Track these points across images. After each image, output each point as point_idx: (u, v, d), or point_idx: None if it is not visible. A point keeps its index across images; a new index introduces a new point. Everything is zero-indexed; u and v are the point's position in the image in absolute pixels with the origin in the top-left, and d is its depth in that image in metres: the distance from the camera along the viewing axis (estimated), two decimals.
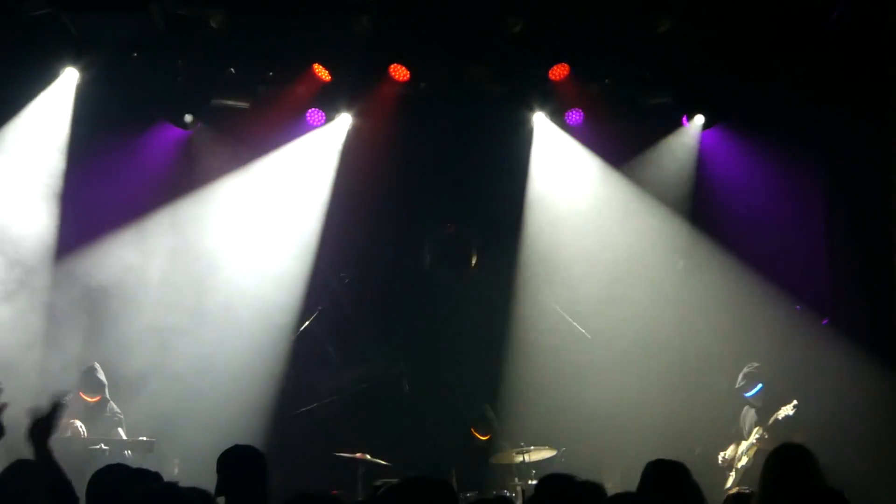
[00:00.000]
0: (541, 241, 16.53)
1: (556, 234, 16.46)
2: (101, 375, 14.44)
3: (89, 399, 14.34)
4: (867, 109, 14.50)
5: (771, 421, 14.04)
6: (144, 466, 10.33)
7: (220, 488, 7.41)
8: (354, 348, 16.38)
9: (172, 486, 6.05)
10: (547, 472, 8.10)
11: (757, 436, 14.12)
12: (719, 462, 14.39)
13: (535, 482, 13.09)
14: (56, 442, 12.75)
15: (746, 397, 14.59)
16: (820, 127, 15.41)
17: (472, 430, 14.95)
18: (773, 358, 15.14)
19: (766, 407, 14.36)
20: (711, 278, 15.85)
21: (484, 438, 14.90)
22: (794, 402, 14.00)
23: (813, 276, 15.50)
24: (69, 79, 15.04)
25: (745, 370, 14.67)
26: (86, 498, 7.11)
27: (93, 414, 14.10)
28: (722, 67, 15.22)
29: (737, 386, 14.69)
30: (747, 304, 15.73)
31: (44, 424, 7.17)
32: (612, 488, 12.75)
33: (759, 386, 14.53)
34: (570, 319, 15.52)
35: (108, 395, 14.34)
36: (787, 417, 13.94)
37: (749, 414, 14.62)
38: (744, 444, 14.33)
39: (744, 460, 14.10)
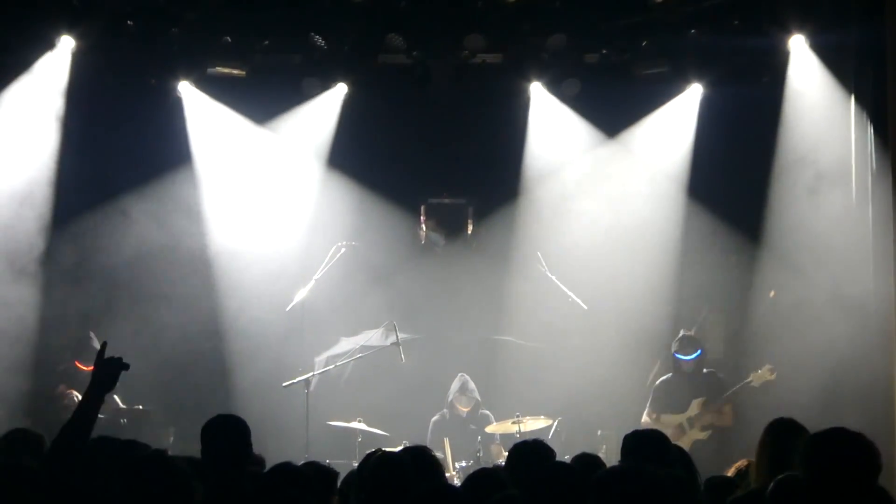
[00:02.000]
0: (537, 210, 16.52)
1: (552, 203, 16.47)
2: (97, 344, 14.41)
3: (85, 368, 14.32)
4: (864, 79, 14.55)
5: (737, 388, 14.04)
6: (140, 435, 10.37)
7: (204, 457, 7.42)
8: (349, 318, 16.37)
9: (160, 453, 6.08)
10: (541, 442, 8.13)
11: (697, 412, 14.07)
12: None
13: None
14: (51, 411, 12.88)
15: (681, 359, 14.48)
16: None
17: (454, 401, 14.91)
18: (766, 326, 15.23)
19: (694, 376, 14.35)
20: (709, 247, 15.88)
21: (466, 409, 14.87)
22: (769, 365, 14.00)
23: None
24: (65, 47, 15.02)
25: (684, 333, 14.63)
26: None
27: (88, 383, 14.07)
28: (720, 36, 15.19)
29: (673, 349, 14.62)
30: (744, 273, 15.79)
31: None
32: (607, 457, 12.84)
33: (699, 352, 14.46)
34: (566, 289, 15.50)
35: None
36: (765, 384, 13.93)
37: (671, 383, 14.58)
38: (683, 418, 14.24)
39: (700, 435, 14.01)
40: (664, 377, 14.73)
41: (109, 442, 7.19)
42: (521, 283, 16.34)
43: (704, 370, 14.52)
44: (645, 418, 14.46)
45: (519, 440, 8.63)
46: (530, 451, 7.85)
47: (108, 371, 7.10)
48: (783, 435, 7.52)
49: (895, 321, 13.82)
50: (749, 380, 14.09)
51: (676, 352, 14.54)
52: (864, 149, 14.76)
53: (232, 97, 16.07)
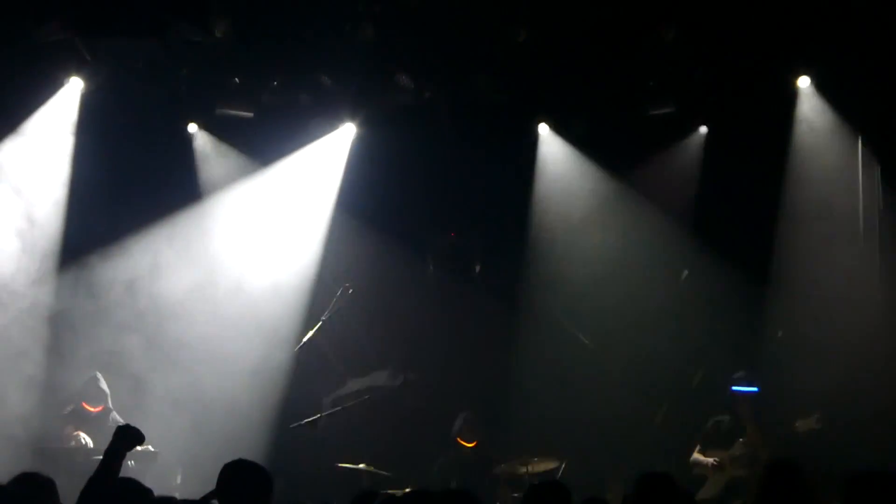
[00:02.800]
0: (544, 250, 16.52)
1: (559, 242, 16.47)
2: (104, 385, 14.43)
3: (92, 409, 14.31)
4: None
5: (780, 431, 13.95)
6: (147, 477, 10.36)
7: (217, 497, 7.38)
8: (357, 358, 16.35)
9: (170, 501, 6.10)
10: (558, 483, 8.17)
11: (742, 451, 13.99)
12: (694, 465, 14.14)
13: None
14: (59, 452, 12.86)
15: (735, 391, 14.21)
16: None
17: (458, 438, 14.88)
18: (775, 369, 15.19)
19: (747, 417, 14.22)
20: (715, 288, 15.86)
21: (470, 446, 14.84)
22: (817, 415, 13.87)
23: None
24: (74, 88, 15.10)
25: (748, 370, 14.55)
26: None
27: (96, 424, 14.07)
28: (726, 77, 15.20)
29: (734, 375, 14.49)
30: (751, 314, 15.76)
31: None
32: (614, 499, 12.80)
33: (756, 389, 14.34)
34: (574, 328, 15.50)
35: (110, 405, 14.33)
36: (810, 432, 13.80)
37: (724, 423, 14.40)
38: (726, 455, 14.13)
39: (740, 472, 13.93)
40: (718, 417, 14.51)
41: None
42: (529, 322, 16.31)
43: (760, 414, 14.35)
44: (695, 454, 14.33)
45: (534, 482, 8.64)
46: (547, 493, 7.87)
47: (127, 435, 7.78)
48: (780, 475, 7.49)
49: None
50: (795, 426, 13.97)
51: (733, 384, 14.38)
52: (871, 189, 14.79)
53: (240, 137, 16.13)
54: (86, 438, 13.84)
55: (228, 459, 7.69)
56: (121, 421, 14.21)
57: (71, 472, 11.20)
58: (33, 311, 14.86)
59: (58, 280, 15.30)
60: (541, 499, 7.81)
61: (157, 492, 7.47)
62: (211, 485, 7.48)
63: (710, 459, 14.06)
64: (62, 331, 15.22)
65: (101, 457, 12.93)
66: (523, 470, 13.94)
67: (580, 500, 7.97)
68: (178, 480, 14.61)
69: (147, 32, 13.91)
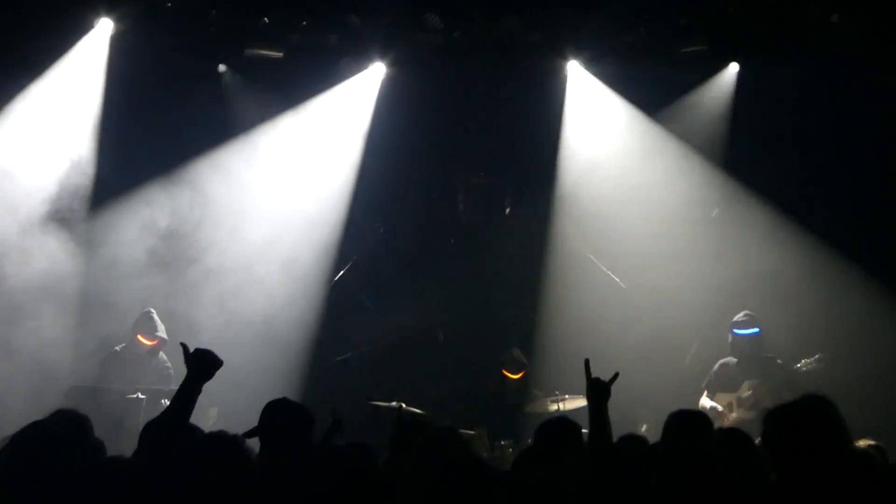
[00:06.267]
0: (574, 190, 16.49)
1: (589, 182, 16.44)
2: (157, 318, 14.36)
3: (149, 342, 14.23)
4: None
5: (790, 373, 13.93)
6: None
7: (257, 434, 7.45)
8: (389, 297, 16.39)
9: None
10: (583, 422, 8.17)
11: (747, 392, 13.95)
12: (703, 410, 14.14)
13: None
14: (90, 391, 12.82)
15: (737, 334, 14.24)
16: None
17: (503, 370, 14.94)
18: (807, 306, 15.13)
19: (753, 359, 14.22)
20: (746, 226, 15.82)
21: (515, 377, 14.90)
22: (819, 355, 13.88)
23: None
24: (103, 29, 15.09)
25: (747, 311, 14.50)
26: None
27: (147, 359, 14.03)
28: (757, 14, 15.10)
29: (733, 319, 14.39)
30: (782, 252, 15.72)
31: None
32: (646, 435, 12.82)
33: (757, 330, 14.26)
34: (604, 268, 15.48)
35: (166, 337, 14.21)
36: (809, 372, 13.82)
37: (730, 366, 14.34)
38: (733, 398, 14.11)
39: (745, 415, 13.93)
40: (724, 360, 14.53)
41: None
42: (560, 262, 16.31)
43: (766, 355, 14.33)
44: (703, 398, 14.35)
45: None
46: (557, 427, 7.90)
47: (203, 361, 7.26)
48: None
49: None
50: (798, 365, 13.98)
51: (734, 327, 14.37)
52: None
53: (270, 78, 16.12)
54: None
55: (260, 399, 7.76)
56: (168, 364, 14.12)
57: (102, 409, 11.32)
58: (66, 249, 14.93)
59: (88, 222, 15.36)
60: (551, 434, 7.84)
61: None
62: (244, 422, 7.54)
63: (717, 404, 14.08)
64: (95, 273, 15.30)
65: (133, 395, 13.05)
66: (554, 408, 13.99)
67: (615, 437, 7.98)
68: (212, 422, 14.69)
69: None
